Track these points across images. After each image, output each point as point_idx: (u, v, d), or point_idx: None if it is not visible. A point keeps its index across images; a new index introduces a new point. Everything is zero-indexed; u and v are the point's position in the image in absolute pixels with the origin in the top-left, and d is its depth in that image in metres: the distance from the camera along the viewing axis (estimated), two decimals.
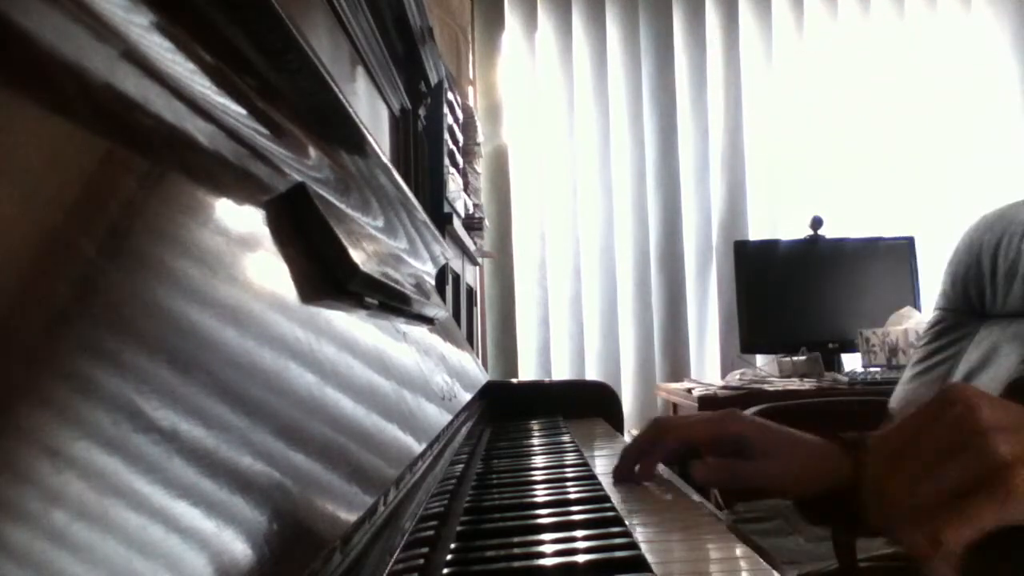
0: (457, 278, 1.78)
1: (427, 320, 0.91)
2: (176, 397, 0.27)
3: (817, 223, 2.75)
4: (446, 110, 1.77)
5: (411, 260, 0.97)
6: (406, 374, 0.65)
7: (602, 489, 0.73)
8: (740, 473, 0.74)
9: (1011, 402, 0.49)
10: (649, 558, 0.50)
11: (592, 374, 2.94)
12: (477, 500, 0.72)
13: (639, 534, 0.57)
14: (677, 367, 2.99)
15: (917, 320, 2.46)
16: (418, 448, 0.56)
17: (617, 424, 1.40)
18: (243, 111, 0.45)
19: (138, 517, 0.23)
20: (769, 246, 2.86)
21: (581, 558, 0.51)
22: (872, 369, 2.51)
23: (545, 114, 3.03)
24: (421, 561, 0.51)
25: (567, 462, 0.90)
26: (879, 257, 2.75)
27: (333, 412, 0.42)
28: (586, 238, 3.02)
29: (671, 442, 0.79)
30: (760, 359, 2.84)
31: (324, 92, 0.58)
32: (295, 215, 0.50)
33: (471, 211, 2.16)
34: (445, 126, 1.73)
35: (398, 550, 0.45)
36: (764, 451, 0.73)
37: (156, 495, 0.24)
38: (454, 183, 1.82)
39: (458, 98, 2.04)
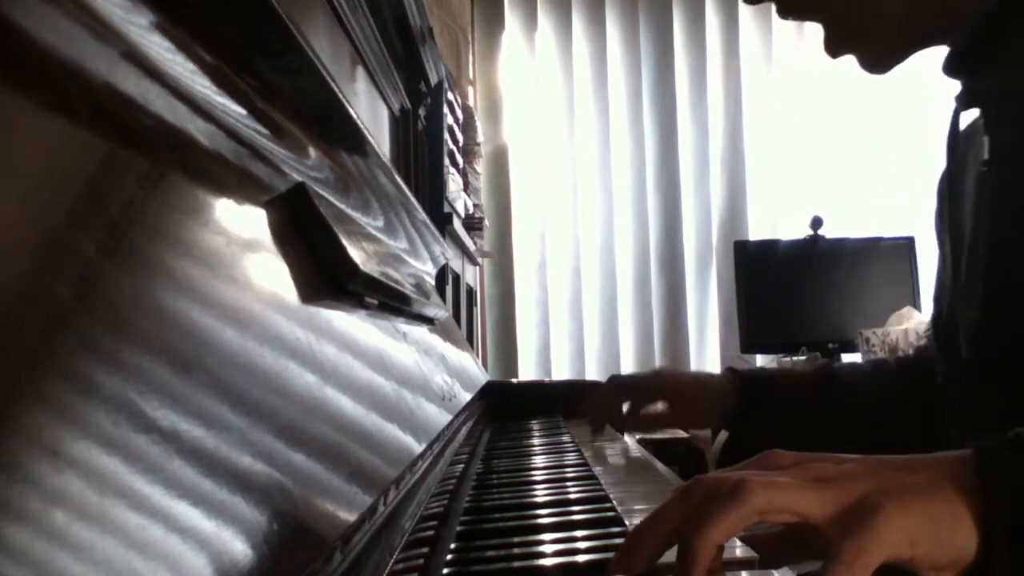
0: (457, 278, 1.78)
1: (427, 320, 0.91)
2: (176, 397, 0.27)
3: (817, 223, 2.75)
4: (446, 110, 1.77)
5: (411, 260, 0.97)
6: (406, 374, 0.65)
7: (602, 489, 0.73)
8: (656, 421, 1.05)
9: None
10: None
11: (592, 374, 2.93)
12: (477, 500, 0.72)
13: None
14: (677, 367, 2.99)
15: (917, 320, 2.46)
16: (418, 448, 0.56)
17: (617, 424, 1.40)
18: (243, 111, 0.45)
19: (138, 517, 0.23)
20: (769, 246, 2.86)
21: (581, 558, 0.51)
22: None
23: (545, 114, 3.03)
24: (421, 561, 0.51)
25: (567, 462, 0.90)
26: (879, 257, 2.74)
27: (333, 412, 0.42)
28: (586, 238, 3.01)
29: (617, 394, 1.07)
30: (760, 359, 2.84)
31: (324, 92, 0.58)
32: (295, 215, 0.50)
33: (471, 211, 2.16)
34: (445, 126, 1.73)
35: (398, 550, 0.45)
36: (678, 398, 1.02)
37: (156, 495, 0.24)
38: (454, 183, 1.82)
39: (458, 98, 2.04)
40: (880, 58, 0.74)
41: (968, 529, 0.42)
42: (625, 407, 1.06)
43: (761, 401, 0.98)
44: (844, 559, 0.39)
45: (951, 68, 0.71)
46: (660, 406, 1.04)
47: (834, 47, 0.74)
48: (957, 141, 0.77)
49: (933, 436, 0.70)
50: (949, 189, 0.78)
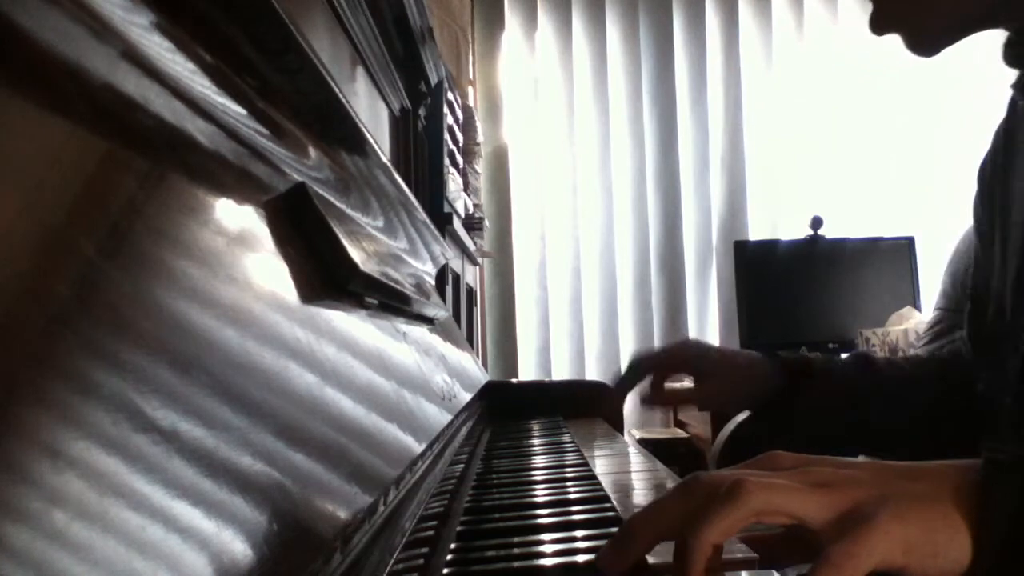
0: (457, 278, 1.78)
1: (427, 320, 0.91)
2: (176, 397, 0.27)
3: (817, 223, 2.75)
4: (446, 110, 1.77)
5: (411, 260, 0.97)
6: (406, 374, 0.65)
7: (602, 489, 0.73)
8: (680, 396, 0.96)
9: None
10: (650, 559, 0.50)
11: (592, 374, 2.93)
12: (477, 500, 0.72)
13: None
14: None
15: (917, 320, 2.46)
16: (418, 448, 0.56)
17: (617, 424, 1.40)
18: (243, 111, 0.45)
19: (138, 517, 0.23)
20: (769, 246, 2.86)
21: (581, 558, 0.51)
22: None
23: (545, 114, 3.03)
24: (421, 561, 0.51)
25: (567, 462, 0.90)
26: (879, 257, 2.75)
27: (333, 412, 0.42)
28: (586, 238, 3.02)
29: (645, 367, 0.93)
30: None
31: (324, 92, 0.58)
32: (295, 215, 0.50)
33: (471, 211, 2.16)
34: (445, 126, 1.73)
35: (398, 550, 0.45)
36: (706, 373, 0.90)
37: (156, 495, 0.24)
38: (454, 183, 1.82)
39: (458, 98, 2.04)
40: (929, 39, 0.69)
41: (964, 541, 0.41)
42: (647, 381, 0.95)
43: (799, 389, 0.87)
44: (833, 561, 0.39)
45: (1014, 55, 0.67)
46: (687, 382, 0.94)
47: (880, 25, 0.70)
48: (1014, 132, 0.72)
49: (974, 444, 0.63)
50: (1004, 182, 0.74)
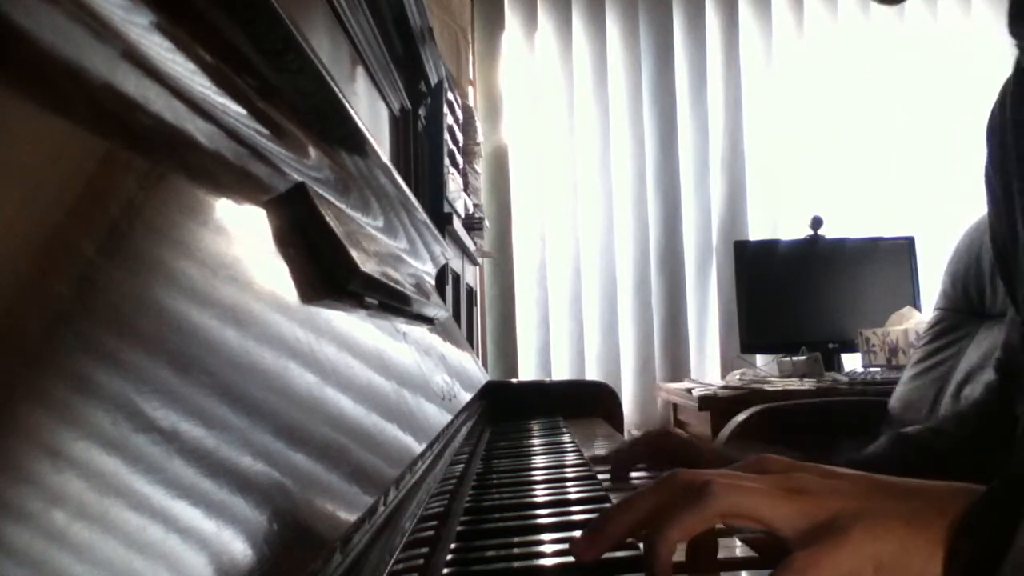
0: (457, 278, 1.78)
1: (427, 320, 0.91)
2: (176, 397, 0.27)
3: (817, 223, 2.75)
4: (446, 110, 1.77)
5: (411, 260, 0.97)
6: (406, 374, 0.65)
7: (602, 489, 0.73)
8: None
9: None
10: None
11: (592, 374, 2.93)
12: (477, 500, 0.72)
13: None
14: (677, 367, 2.99)
15: (917, 320, 2.46)
16: (418, 448, 0.56)
17: (617, 424, 1.41)
18: (243, 111, 0.45)
19: (138, 517, 0.23)
20: (769, 246, 2.86)
21: None
22: (872, 369, 2.51)
23: (545, 114, 3.03)
24: (421, 561, 0.51)
25: (567, 462, 0.90)
26: (879, 257, 2.75)
27: (333, 412, 0.42)
28: (586, 238, 3.01)
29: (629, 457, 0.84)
30: (760, 359, 2.84)
31: (324, 92, 0.58)
32: (295, 215, 0.50)
33: (471, 211, 2.16)
34: (445, 126, 1.73)
35: (398, 550, 0.45)
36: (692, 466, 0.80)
37: (156, 495, 0.24)
38: (454, 183, 1.82)
39: (458, 98, 2.04)
40: None
41: (940, 567, 0.40)
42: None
43: None
44: (795, 567, 0.39)
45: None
46: None
47: None
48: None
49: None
50: (1017, 133, 0.72)
